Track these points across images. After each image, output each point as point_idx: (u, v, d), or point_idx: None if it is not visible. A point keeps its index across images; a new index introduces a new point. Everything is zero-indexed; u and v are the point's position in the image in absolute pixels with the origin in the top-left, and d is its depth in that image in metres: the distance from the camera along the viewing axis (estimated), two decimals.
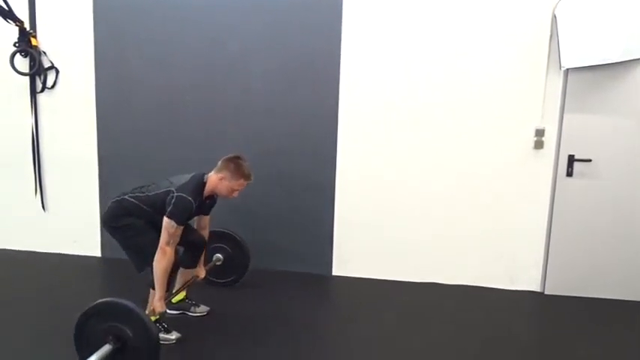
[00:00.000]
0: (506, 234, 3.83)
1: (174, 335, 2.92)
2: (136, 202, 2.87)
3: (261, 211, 4.04)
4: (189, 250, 3.16)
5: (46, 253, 4.36)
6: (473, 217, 3.85)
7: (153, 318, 2.67)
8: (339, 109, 3.86)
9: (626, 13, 3.34)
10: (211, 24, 3.90)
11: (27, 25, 4.04)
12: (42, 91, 4.16)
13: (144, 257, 2.81)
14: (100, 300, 2.42)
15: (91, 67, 4.09)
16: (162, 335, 2.79)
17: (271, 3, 3.84)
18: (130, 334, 2.35)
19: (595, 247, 3.71)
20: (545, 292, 3.80)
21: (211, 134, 4.01)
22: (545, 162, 3.70)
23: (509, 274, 3.86)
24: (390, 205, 3.93)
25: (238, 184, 2.93)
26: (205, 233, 3.24)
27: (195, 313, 3.27)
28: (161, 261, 2.71)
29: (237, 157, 2.95)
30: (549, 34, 3.54)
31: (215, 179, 2.91)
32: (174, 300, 3.17)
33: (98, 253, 4.32)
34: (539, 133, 3.66)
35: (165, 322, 2.93)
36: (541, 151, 3.69)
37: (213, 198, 3.07)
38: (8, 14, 3.86)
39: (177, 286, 3.11)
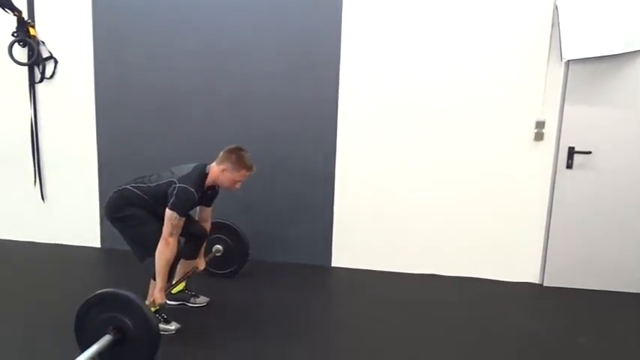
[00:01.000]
0: (506, 226, 3.84)
1: (173, 326, 2.93)
2: (138, 192, 2.86)
3: (260, 202, 4.04)
4: (190, 241, 3.16)
5: (45, 243, 4.35)
6: (472, 208, 3.85)
7: (153, 309, 2.68)
8: (339, 99, 3.84)
9: (629, 4, 3.32)
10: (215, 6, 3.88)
11: (25, 15, 4.00)
12: (41, 81, 4.14)
13: (146, 248, 2.81)
14: (100, 291, 2.42)
15: (90, 57, 4.06)
16: (161, 326, 2.79)
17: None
18: (131, 325, 2.35)
19: (594, 240, 3.71)
20: (545, 284, 3.81)
21: (211, 114, 4.02)
22: (546, 154, 3.70)
23: (508, 266, 3.87)
24: (390, 197, 3.93)
25: (240, 175, 2.92)
26: (207, 225, 3.23)
27: (195, 303, 3.28)
28: (164, 252, 2.71)
29: (239, 148, 2.93)
30: (550, 25, 3.52)
31: (217, 170, 2.90)
32: (173, 291, 3.17)
33: (98, 244, 4.32)
34: (540, 125, 3.65)
35: (165, 312, 2.94)
36: (541, 142, 3.68)
37: (214, 189, 3.07)
38: (6, 4, 3.84)
39: (177, 277, 3.11)
